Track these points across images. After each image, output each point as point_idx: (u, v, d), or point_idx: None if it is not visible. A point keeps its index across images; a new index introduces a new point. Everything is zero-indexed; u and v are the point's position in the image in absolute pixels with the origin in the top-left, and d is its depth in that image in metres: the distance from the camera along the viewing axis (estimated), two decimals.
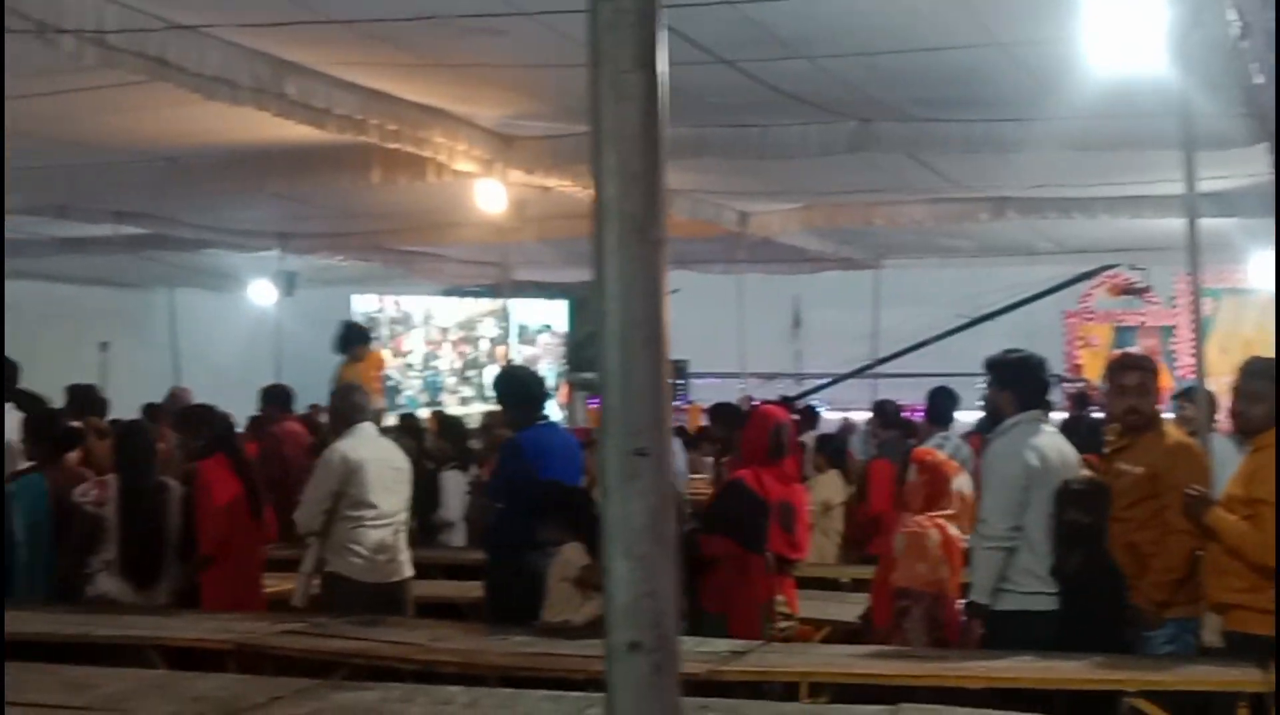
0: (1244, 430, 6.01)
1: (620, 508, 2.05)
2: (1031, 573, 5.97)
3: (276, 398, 10.86)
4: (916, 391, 11.88)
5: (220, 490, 6.85)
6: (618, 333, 2.01)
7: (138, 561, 6.67)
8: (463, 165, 10.47)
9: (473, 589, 7.62)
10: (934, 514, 6.60)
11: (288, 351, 15.39)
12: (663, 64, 2.06)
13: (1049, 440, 6.23)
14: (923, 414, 10.54)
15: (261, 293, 18.15)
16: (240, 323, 19.11)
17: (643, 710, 2.01)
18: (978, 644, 6.01)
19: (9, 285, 16.96)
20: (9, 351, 7.83)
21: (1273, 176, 7.66)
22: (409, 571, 7.20)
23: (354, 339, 12.17)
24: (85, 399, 9.31)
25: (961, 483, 7.08)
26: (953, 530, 6.58)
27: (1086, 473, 6.30)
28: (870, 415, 11.92)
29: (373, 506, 6.98)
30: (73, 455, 7.06)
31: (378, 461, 7.10)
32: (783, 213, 13.56)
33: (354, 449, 7.00)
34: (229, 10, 7.68)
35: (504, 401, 7.62)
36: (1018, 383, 6.34)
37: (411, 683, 5.12)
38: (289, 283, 16.49)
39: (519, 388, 7.54)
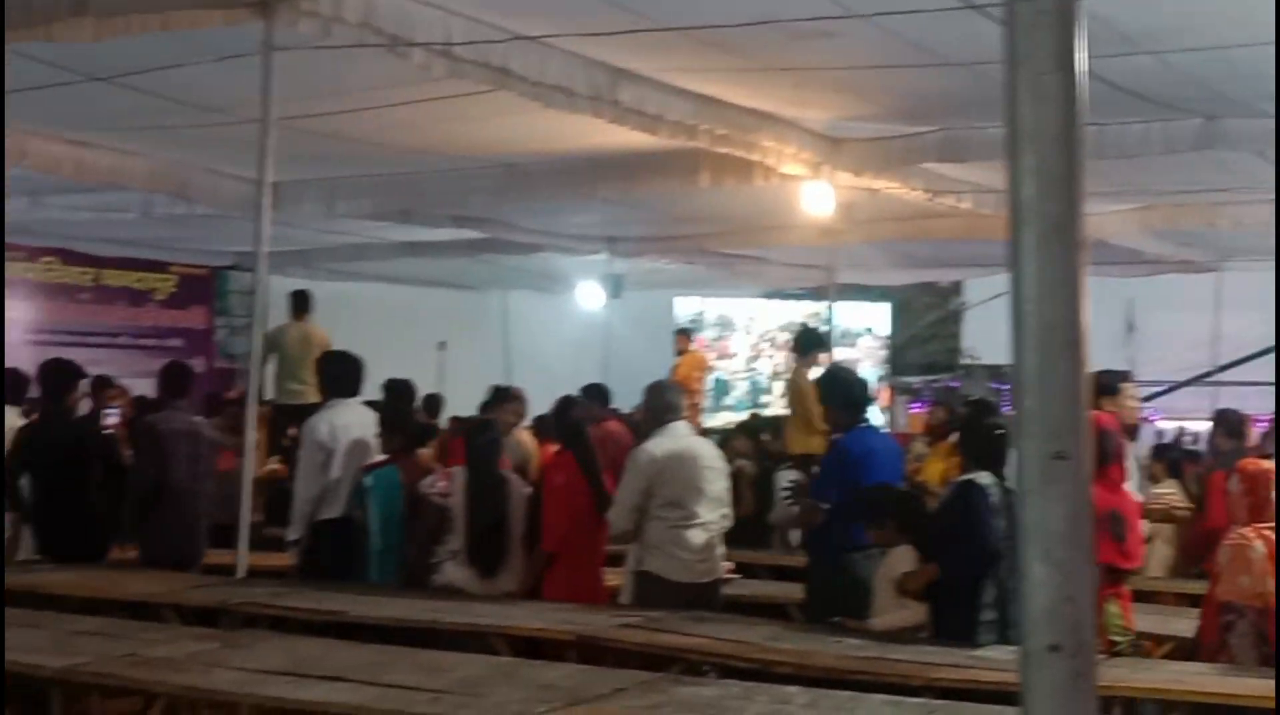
0: None
1: (1038, 512, 2.01)
2: None
3: (595, 396, 11.03)
4: (1261, 400, 11.31)
5: (566, 487, 7.01)
6: (1035, 335, 1.98)
7: (483, 552, 6.92)
8: (790, 168, 10.51)
9: (798, 591, 7.61)
10: (1259, 526, 6.30)
11: (613, 353, 15.70)
12: (1081, 64, 2.03)
13: None
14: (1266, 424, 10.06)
15: (589, 295, 18.60)
16: (568, 324, 19.64)
17: None
18: None
19: (358, 287, 18.03)
20: (358, 350, 8.22)
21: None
22: (722, 571, 7.20)
23: (811, 344, 12.09)
24: (403, 394, 9.67)
25: None
26: None
27: None
28: (1210, 424, 11.41)
29: (684, 506, 6.99)
30: (425, 450, 7.38)
31: (690, 460, 7.09)
32: (1119, 213, 13.11)
33: (664, 448, 7.01)
34: (569, 21, 7.92)
35: (829, 403, 7.58)
36: None
37: (745, 681, 5.15)
38: (616, 285, 16.82)
39: (844, 389, 7.50)
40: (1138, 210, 13.09)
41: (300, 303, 11.45)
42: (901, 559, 6.41)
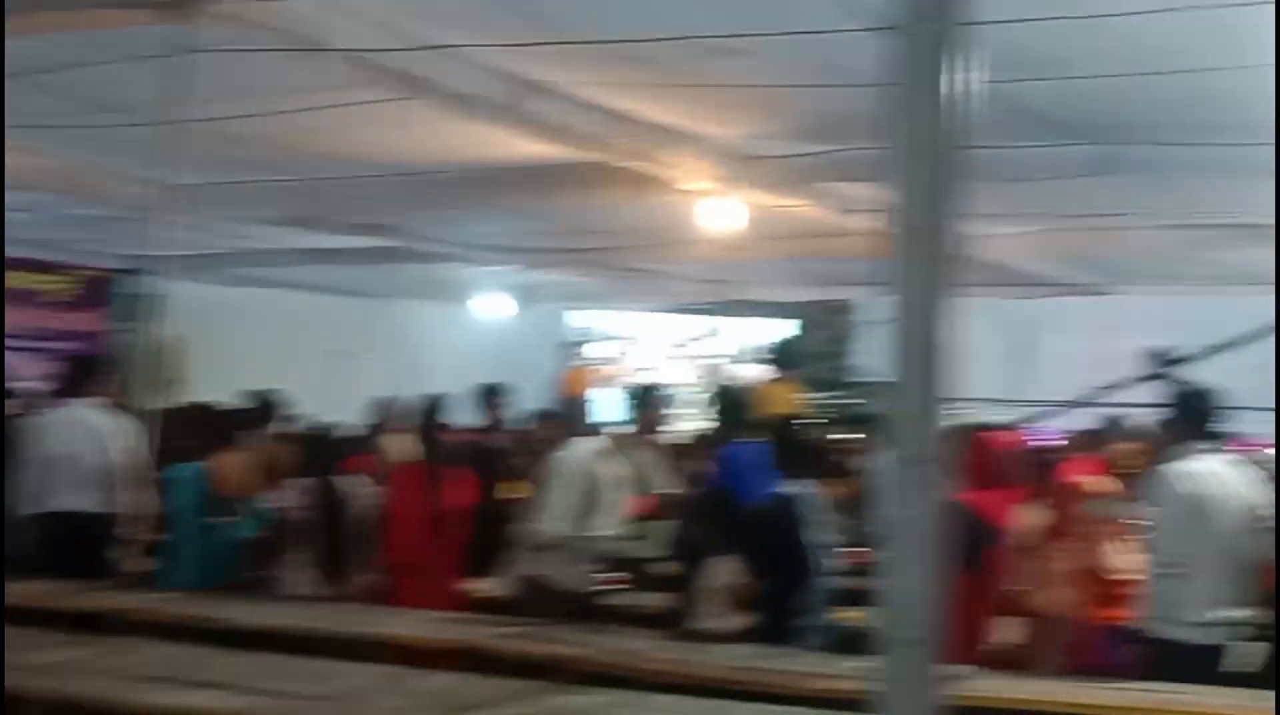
0: None
1: (900, 511, 2.11)
2: None
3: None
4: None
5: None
6: (903, 346, 2.07)
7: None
8: (696, 184, 10.57)
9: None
10: None
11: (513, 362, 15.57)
12: (971, 85, 2.10)
13: None
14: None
15: (489, 306, 18.69)
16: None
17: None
18: None
19: (264, 292, 17.65)
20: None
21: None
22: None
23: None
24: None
25: None
26: None
27: None
28: None
29: None
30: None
31: None
32: (1014, 237, 13.28)
33: None
34: (480, 31, 7.92)
35: None
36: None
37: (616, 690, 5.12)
38: (519, 297, 16.71)
39: None
40: (1032, 234, 13.27)
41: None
42: (725, 569, 6.63)
